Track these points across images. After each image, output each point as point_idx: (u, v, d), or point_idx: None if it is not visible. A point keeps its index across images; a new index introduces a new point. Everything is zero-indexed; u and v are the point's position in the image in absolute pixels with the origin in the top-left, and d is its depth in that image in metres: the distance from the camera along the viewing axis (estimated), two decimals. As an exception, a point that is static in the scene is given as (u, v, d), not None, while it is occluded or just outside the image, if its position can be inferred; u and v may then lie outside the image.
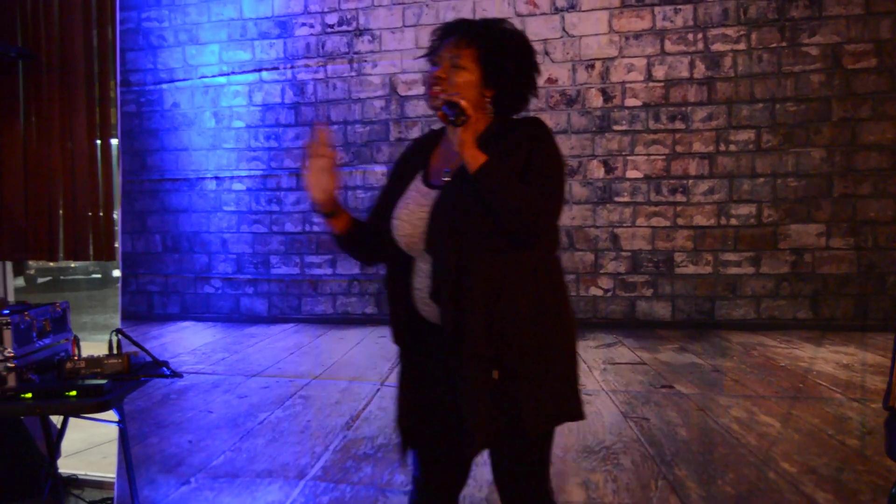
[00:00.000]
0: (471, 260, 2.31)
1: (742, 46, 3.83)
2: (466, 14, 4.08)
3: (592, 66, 4.00)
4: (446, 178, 2.43)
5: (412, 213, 2.44)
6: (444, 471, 2.60)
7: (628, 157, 3.97)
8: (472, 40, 2.44)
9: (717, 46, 3.86)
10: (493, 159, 2.30)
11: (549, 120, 4.01)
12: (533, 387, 2.34)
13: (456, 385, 2.37)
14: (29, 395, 3.31)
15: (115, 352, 3.67)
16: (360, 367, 4.26)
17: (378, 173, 4.28)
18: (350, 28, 4.35)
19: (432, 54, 2.52)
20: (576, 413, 2.47)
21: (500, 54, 2.44)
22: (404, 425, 2.55)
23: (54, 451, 4.05)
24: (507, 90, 2.48)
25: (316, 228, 4.46)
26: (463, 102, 2.30)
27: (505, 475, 2.51)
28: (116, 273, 4.76)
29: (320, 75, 4.41)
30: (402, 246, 2.47)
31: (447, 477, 2.61)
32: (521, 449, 2.44)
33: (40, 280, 18.69)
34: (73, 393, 3.31)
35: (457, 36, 2.46)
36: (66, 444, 4.22)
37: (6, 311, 3.49)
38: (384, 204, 2.56)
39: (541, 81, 4.01)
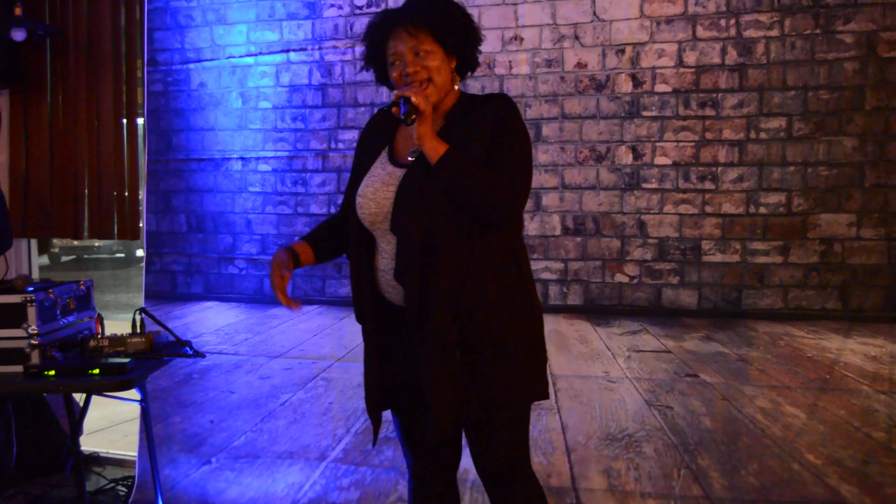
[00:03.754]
0: (437, 240, 2.28)
1: (775, 33, 3.79)
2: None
3: (623, 51, 3.96)
4: (412, 158, 2.40)
5: (377, 192, 2.41)
6: (431, 451, 2.58)
7: (657, 144, 3.94)
8: (420, 22, 2.38)
9: (750, 33, 3.82)
10: (454, 149, 2.28)
11: (578, 105, 3.99)
12: (503, 366, 2.34)
13: (419, 365, 2.36)
14: (52, 372, 3.32)
15: (138, 331, 3.67)
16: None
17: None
18: (378, 10, 4.32)
19: (375, 53, 2.49)
20: (543, 393, 2.48)
21: (447, 21, 2.40)
22: (374, 399, 2.52)
23: (76, 429, 4.06)
24: (465, 54, 2.47)
25: (340, 211, 4.45)
26: (414, 98, 2.28)
27: (485, 462, 2.49)
28: (140, 252, 4.78)
29: (348, 57, 4.38)
30: (366, 224, 2.44)
31: (436, 457, 2.60)
32: (497, 429, 2.43)
33: (64, 258, 18.80)
34: (96, 371, 3.32)
35: (402, 26, 2.39)
36: (89, 421, 4.23)
37: (31, 289, 3.50)
38: (353, 186, 2.54)
39: (570, 66, 4.03)
